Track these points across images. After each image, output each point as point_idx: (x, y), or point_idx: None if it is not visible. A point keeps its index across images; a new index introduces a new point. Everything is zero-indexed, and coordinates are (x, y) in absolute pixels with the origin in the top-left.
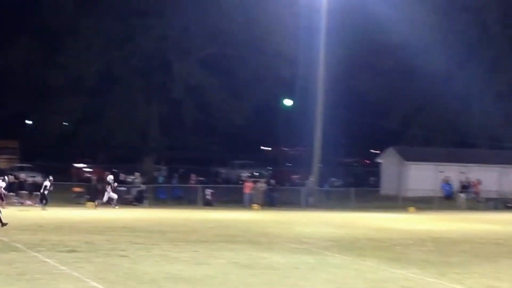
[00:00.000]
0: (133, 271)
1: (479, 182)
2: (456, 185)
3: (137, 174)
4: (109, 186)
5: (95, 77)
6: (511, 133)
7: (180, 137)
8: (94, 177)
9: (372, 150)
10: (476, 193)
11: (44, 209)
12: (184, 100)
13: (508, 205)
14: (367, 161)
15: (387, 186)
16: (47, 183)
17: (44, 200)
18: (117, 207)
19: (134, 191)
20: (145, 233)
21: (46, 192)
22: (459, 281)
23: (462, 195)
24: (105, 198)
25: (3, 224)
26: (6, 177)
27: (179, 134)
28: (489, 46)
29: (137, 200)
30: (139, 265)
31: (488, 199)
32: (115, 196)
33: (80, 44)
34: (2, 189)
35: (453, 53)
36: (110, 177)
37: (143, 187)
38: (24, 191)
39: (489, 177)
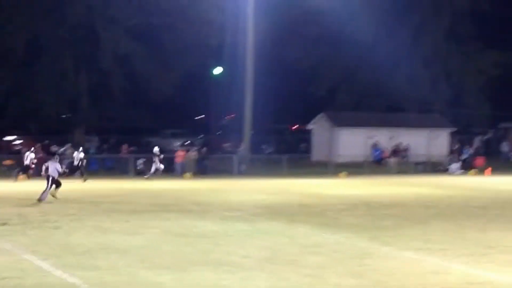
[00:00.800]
0: (66, 242)
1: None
2: (384, 150)
3: (68, 145)
4: (157, 157)
5: (23, 48)
6: (438, 96)
7: (110, 107)
8: (25, 150)
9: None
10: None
11: None
12: (112, 70)
13: (437, 168)
14: (293, 128)
15: (318, 152)
16: None
17: None
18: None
19: (66, 163)
20: (77, 204)
21: None
22: (390, 244)
23: (392, 159)
24: (152, 169)
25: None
26: None
27: (109, 105)
28: (415, 11)
29: (71, 172)
30: (72, 237)
31: (417, 163)
32: (161, 167)
33: (4, 15)
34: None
35: (380, 19)
36: (156, 149)
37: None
38: None
39: (418, 141)
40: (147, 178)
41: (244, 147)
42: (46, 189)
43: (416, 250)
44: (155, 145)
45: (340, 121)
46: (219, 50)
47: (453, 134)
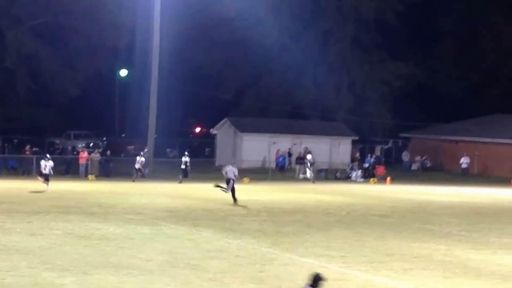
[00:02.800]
0: None
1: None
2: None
3: None
4: (309, 164)
5: None
6: (341, 104)
7: (14, 107)
8: None
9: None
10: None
11: None
12: (17, 69)
13: (338, 175)
14: (197, 132)
15: (222, 157)
16: None
17: None
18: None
19: None
20: None
21: None
22: (291, 250)
23: (298, 166)
24: (308, 175)
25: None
26: None
27: (13, 104)
28: (322, 18)
29: None
30: None
31: (319, 170)
32: (312, 174)
33: None
34: None
35: (287, 25)
36: (310, 156)
37: None
38: None
39: (321, 148)
40: (307, 179)
41: (147, 150)
42: (225, 188)
43: (317, 256)
44: (309, 152)
45: (244, 127)
46: (129, 53)
47: (355, 143)
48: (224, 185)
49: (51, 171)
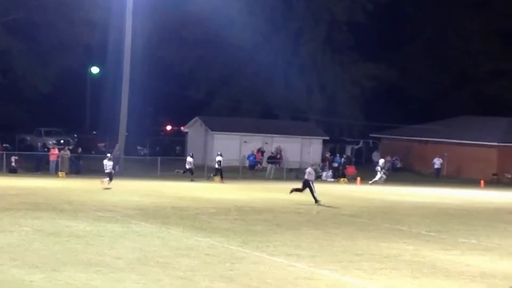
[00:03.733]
0: None
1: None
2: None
3: None
4: (381, 168)
5: None
6: (313, 105)
7: None
8: None
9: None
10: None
11: None
12: None
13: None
14: (168, 129)
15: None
16: None
17: None
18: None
19: None
20: None
21: None
22: (261, 249)
23: (269, 165)
24: (377, 178)
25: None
26: None
27: None
28: (293, 19)
29: None
30: None
31: (290, 169)
32: (384, 177)
33: None
34: None
35: (259, 25)
36: (382, 161)
37: None
38: None
39: (292, 148)
40: (370, 184)
41: (118, 148)
42: (312, 192)
43: (287, 255)
44: (381, 158)
45: (215, 126)
46: (102, 50)
47: (326, 143)
48: (300, 187)
49: (112, 170)
